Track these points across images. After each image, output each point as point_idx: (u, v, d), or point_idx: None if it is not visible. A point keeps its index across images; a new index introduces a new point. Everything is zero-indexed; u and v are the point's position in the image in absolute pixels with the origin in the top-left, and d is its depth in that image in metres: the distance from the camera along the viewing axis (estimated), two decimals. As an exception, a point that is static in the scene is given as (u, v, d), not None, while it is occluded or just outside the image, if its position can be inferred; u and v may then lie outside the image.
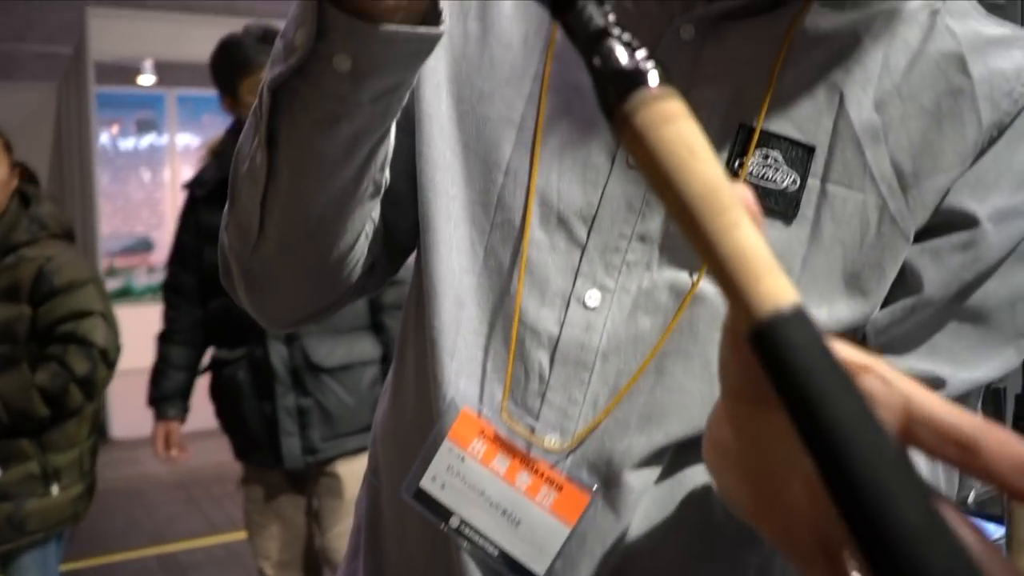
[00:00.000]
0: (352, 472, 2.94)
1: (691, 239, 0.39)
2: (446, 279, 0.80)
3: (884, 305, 0.75)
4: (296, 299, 0.86)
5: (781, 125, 0.73)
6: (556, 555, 0.75)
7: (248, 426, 2.85)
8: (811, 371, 0.35)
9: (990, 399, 1.49)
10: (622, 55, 0.42)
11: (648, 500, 0.76)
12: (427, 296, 0.81)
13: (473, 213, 0.80)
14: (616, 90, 0.42)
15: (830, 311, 0.73)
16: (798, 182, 0.72)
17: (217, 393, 2.92)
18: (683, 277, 0.74)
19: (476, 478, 0.76)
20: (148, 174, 7.83)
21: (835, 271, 0.72)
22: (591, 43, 0.43)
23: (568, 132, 0.77)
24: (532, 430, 0.76)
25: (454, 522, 0.76)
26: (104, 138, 7.25)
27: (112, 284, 6.72)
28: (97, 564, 4.63)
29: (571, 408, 0.75)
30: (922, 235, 0.73)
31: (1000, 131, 0.71)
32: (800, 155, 0.72)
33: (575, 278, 0.76)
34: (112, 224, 7.24)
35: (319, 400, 2.81)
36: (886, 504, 0.32)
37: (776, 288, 0.37)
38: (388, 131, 0.74)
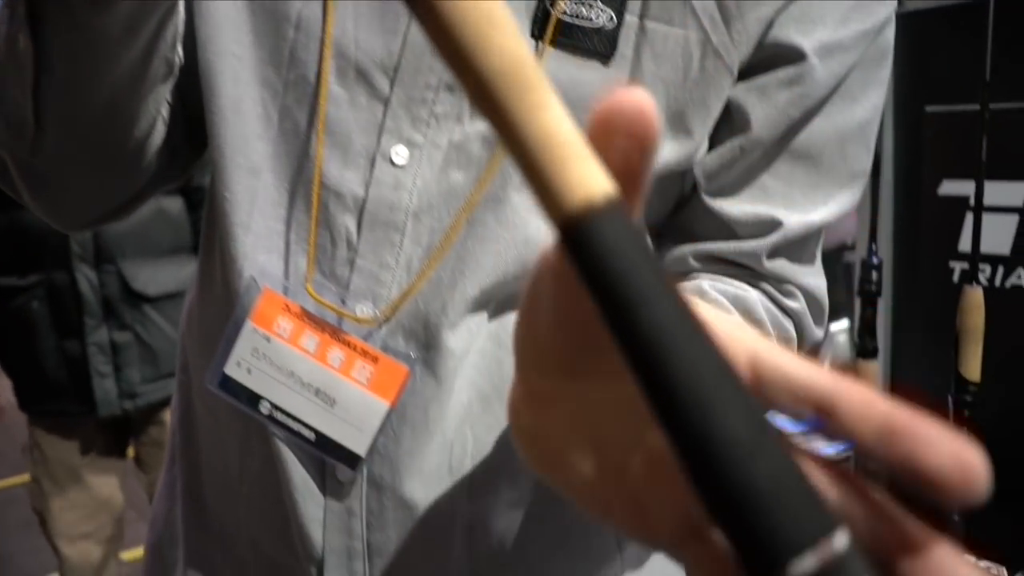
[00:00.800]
0: None
1: (491, 122, 0.33)
2: (235, 147, 0.71)
3: (712, 147, 0.71)
4: (91, 196, 0.77)
5: None
6: (377, 432, 0.68)
7: (44, 369, 2.42)
8: (627, 273, 0.31)
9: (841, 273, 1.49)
10: None
11: (470, 365, 0.71)
12: (216, 168, 0.72)
13: (264, 74, 0.71)
14: None
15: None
16: (615, 20, 0.66)
17: (1, 329, 2.46)
18: None
19: (284, 359, 0.68)
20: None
21: (658, 111, 0.66)
22: None
23: None
24: (343, 302, 0.68)
25: (264, 408, 0.69)
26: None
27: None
28: None
29: (383, 274, 0.68)
30: (748, 72, 0.69)
31: None
32: None
33: (379, 135, 0.68)
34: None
35: (139, 334, 2.44)
36: (709, 415, 0.29)
37: (587, 176, 0.31)
38: (176, 4, 0.66)
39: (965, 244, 1.50)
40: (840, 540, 0.28)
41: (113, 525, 2.67)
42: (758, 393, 0.35)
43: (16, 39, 0.62)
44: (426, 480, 0.70)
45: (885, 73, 0.73)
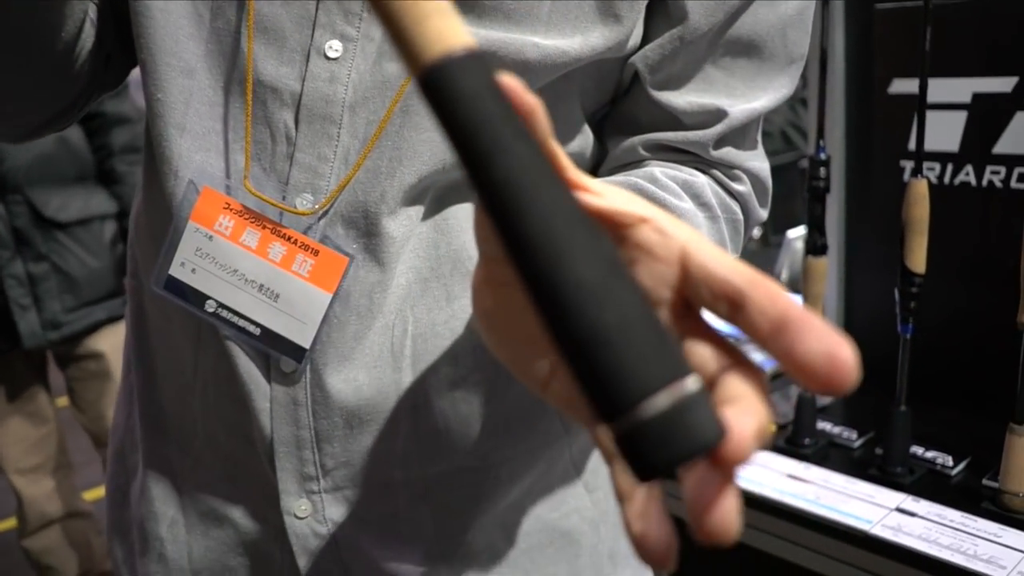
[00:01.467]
0: (114, 345, 2.60)
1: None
2: (166, 48, 0.71)
3: (650, 40, 0.72)
4: (26, 103, 0.77)
5: None
6: (320, 323, 0.69)
7: None
8: (482, 124, 0.31)
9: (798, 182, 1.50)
10: None
11: (409, 250, 0.72)
12: (146, 71, 0.72)
13: None
14: None
15: (584, 40, 0.68)
16: None
17: None
18: None
19: (227, 257, 0.69)
20: None
21: (588, 1, 0.67)
22: None
23: None
24: (283, 197, 0.69)
25: (210, 306, 0.70)
26: None
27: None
28: None
29: (322, 166, 0.68)
30: None
31: None
32: None
33: (313, 29, 0.68)
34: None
35: (56, 263, 2.42)
36: (559, 258, 0.30)
37: (445, 29, 0.32)
38: None
39: (912, 142, 1.51)
40: (691, 383, 0.30)
41: (59, 454, 2.71)
42: (687, 285, 0.37)
43: None
44: (369, 364, 0.72)
45: None
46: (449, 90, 0.31)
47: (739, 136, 0.77)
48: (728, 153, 0.77)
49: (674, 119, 0.74)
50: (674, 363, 0.30)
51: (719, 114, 0.73)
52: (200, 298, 0.70)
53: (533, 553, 0.83)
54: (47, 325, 2.42)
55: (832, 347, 0.31)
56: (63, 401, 2.78)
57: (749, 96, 0.75)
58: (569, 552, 0.85)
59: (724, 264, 0.36)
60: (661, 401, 0.29)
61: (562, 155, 0.37)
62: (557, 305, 0.30)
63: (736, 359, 0.36)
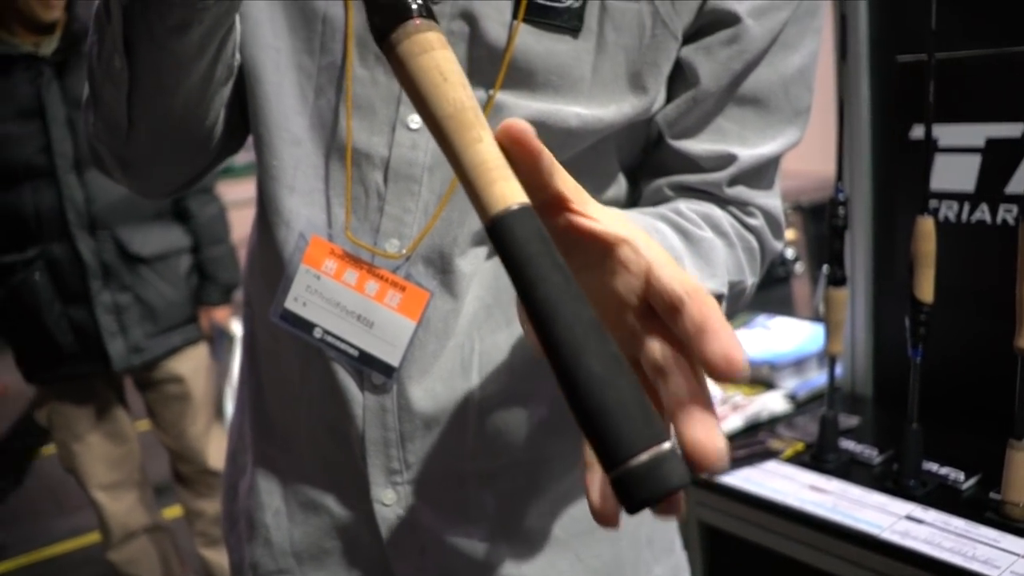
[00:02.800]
0: (192, 368, 2.84)
1: (444, 150, 0.49)
2: (279, 122, 0.89)
3: (670, 100, 0.88)
4: (172, 173, 0.97)
5: None
6: (407, 346, 0.86)
7: (54, 337, 2.59)
8: (530, 259, 0.44)
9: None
10: None
11: (477, 283, 0.88)
12: (262, 142, 0.90)
13: (299, 61, 0.88)
14: (384, 20, 0.50)
15: (618, 108, 0.84)
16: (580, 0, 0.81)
17: (4, 305, 2.62)
18: (481, 94, 0.83)
19: (331, 293, 0.87)
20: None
21: (620, 73, 0.83)
22: None
23: None
24: (375, 242, 0.86)
25: (317, 333, 0.87)
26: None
27: None
28: None
29: (406, 217, 0.86)
30: (694, 36, 0.84)
31: None
32: None
33: (398, 106, 0.85)
34: None
35: (139, 294, 2.65)
36: (577, 358, 0.42)
37: (506, 191, 0.46)
38: (234, 22, 0.83)
39: (933, 183, 1.64)
40: (666, 445, 0.41)
41: (139, 471, 2.91)
42: (650, 296, 0.51)
43: (112, 60, 0.78)
44: (444, 376, 0.88)
45: (819, 23, 0.88)
46: (507, 235, 0.45)
47: (752, 177, 0.91)
48: (741, 192, 0.90)
49: (693, 163, 0.89)
50: (655, 431, 0.41)
51: (730, 158, 0.87)
52: (309, 327, 0.88)
53: (583, 537, 0.99)
54: (132, 350, 2.65)
55: (729, 350, 0.44)
56: (143, 425, 2.97)
57: (758, 143, 0.89)
58: (613, 536, 1.00)
59: (674, 279, 0.49)
60: (644, 458, 0.41)
61: (570, 185, 0.53)
62: (574, 387, 0.42)
63: (681, 351, 0.49)
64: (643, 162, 0.95)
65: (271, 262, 0.93)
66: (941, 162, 1.64)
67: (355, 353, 0.87)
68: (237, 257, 2.93)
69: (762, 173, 0.92)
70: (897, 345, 1.82)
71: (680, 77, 0.87)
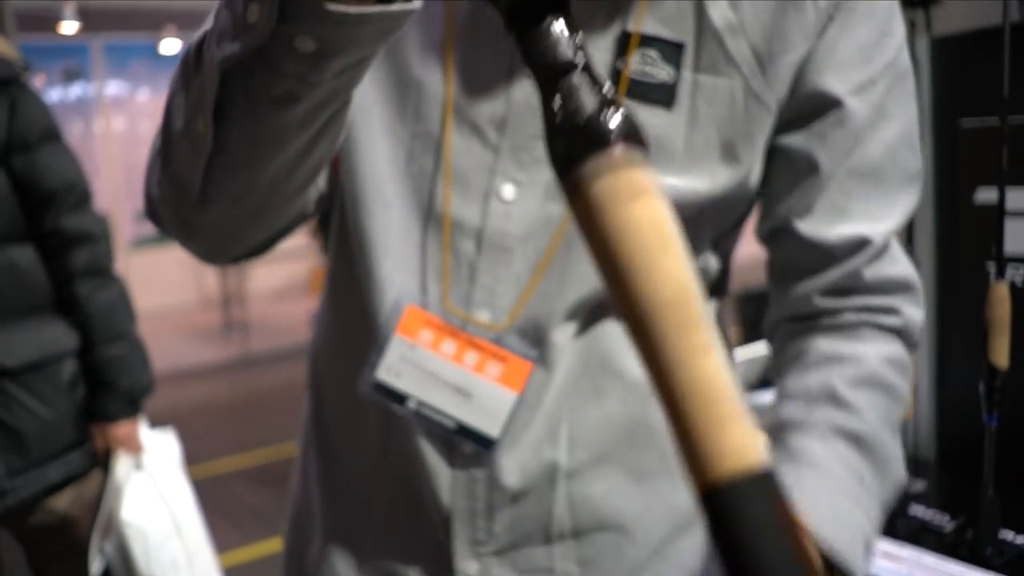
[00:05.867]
0: (80, 508, 2.12)
1: (645, 356, 0.33)
2: (373, 186, 0.90)
3: (787, 191, 0.90)
4: (244, 243, 0.88)
5: (654, 27, 0.84)
6: (508, 417, 0.87)
7: None
8: (762, 550, 0.31)
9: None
10: (587, 101, 0.36)
11: (568, 354, 0.89)
12: (357, 203, 0.90)
13: (392, 127, 0.89)
14: (573, 146, 0.35)
15: (712, 180, 0.86)
16: (673, 75, 0.84)
17: None
18: None
19: (427, 363, 0.87)
20: (79, 125, 7.77)
21: (713, 145, 0.85)
22: (551, 77, 0.38)
23: (471, 49, 0.87)
24: (468, 312, 0.87)
25: (412, 404, 0.87)
26: (30, 92, 7.13)
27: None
28: None
29: (498, 286, 0.87)
30: (801, 122, 0.87)
31: (832, 14, 0.84)
32: (672, 52, 0.84)
33: (492, 176, 0.86)
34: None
35: (1, 418, 1.95)
36: None
37: (745, 441, 0.32)
38: (351, 96, 0.72)
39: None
40: None
41: None
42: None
43: (195, 120, 0.69)
44: (534, 446, 0.89)
45: (911, 85, 0.90)
46: (736, 516, 0.31)
47: (885, 253, 0.91)
48: (879, 271, 0.91)
49: (828, 254, 0.90)
50: None
51: (863, 242, 0.88)
52: (402, 398, 0.87)
53: None
54: None
55: None
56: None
57: (883, 217, 0.89)
58: None
59: None
60: None
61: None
62: None
63: None
64: (773, 262, 0.96)
65: (355, 327, 0.94)
66: (1007, 226, 1.63)
67: (452, 424, 0.87)
68: (145, 354, 2.24)
69: (890, 246, 0.92)
70: (962, 408, 1.81)
71: (784, 162, 0.89)
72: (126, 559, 2.12)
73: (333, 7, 0.57)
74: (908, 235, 1.60)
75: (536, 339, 0.87)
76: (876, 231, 0.89)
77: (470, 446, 0.88)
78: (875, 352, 0.90)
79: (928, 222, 1.78)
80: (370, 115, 0.89)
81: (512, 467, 0.88)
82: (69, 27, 6.91)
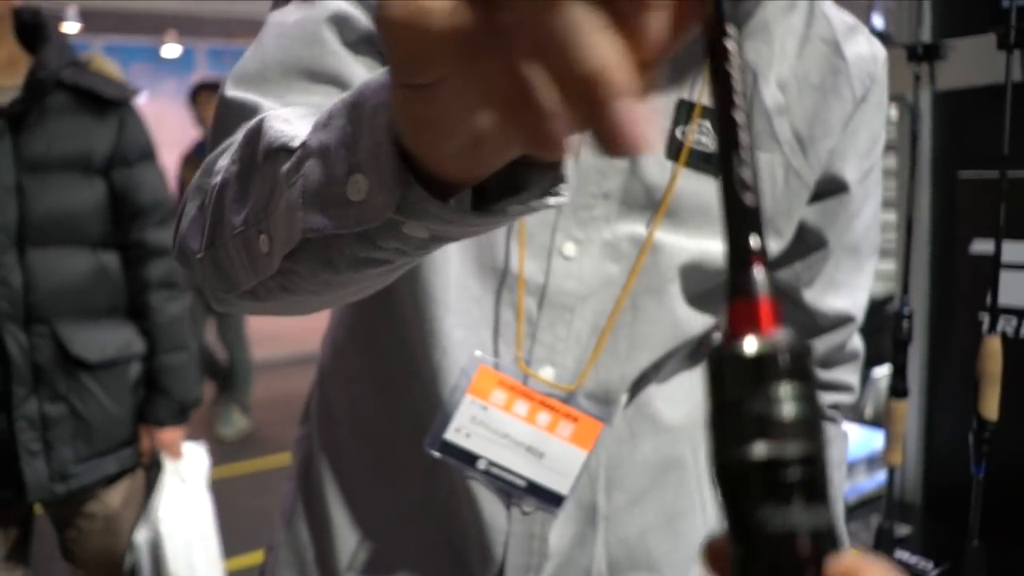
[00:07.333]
0: (124, 502, 2.22)
1: None
2: None
3: (794, 255, 0.97)
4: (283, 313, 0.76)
5: (710, 99, 0.84)
6: (578, 475, 0.87)
7: None
8: None
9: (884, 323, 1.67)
10: None
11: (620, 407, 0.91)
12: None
13: None
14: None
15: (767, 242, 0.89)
16: None
17: None
18: (639, 229, 0.86)
19: (499, 424, 0.86)
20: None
21: None
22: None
23: None
24: (529, 368, 0.87)
25: (482, 464, 0.86)
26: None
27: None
28: None
29: (558, 344, 0.87)
30: (817, 199, 0.94)
31: (860, 103, 0.91)
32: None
33: (554, 233, 0.86)
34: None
35: (75, 407, 2.05)
36: None
37: None
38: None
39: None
40: None
41: None
42: None
43: (255, 237, 0.61)
44: (578, 491, 0.90)
45: (880, 172, 1.00)
46: None
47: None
48: (854, 343, 1.03)
49: (818, 324, 0.99)
50: None
51: (849, 319, 1.00)
52: (473, 458, 0.86)
53: None
54: (55, 476, 2.05)
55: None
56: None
57: (859, 289, 1.00)
58: None
59: None
60: None
61: None
62: None
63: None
64: None
65: (399, 378, 0.91)
66: (1003, 278, 1.67)
67: (523, 484, 0.86)
68: (199, 369, 2.36)
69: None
70: (950, 456, 1.84)
71: (808, 237, 0.96)
72: (158, 557, 2.22)
73: (458, 208, 0.48)
74: (904, 283, 1.62)
75: (605, 399, 0.88)
76: (858, 306, 0.99)
77: (533, 502, 0.87)
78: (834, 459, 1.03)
79: (923, 271, 1.81)
80: None
81: (560, 520, 0.90)
82: (70, 28, 6.85)
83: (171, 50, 8.50)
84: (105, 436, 2.10)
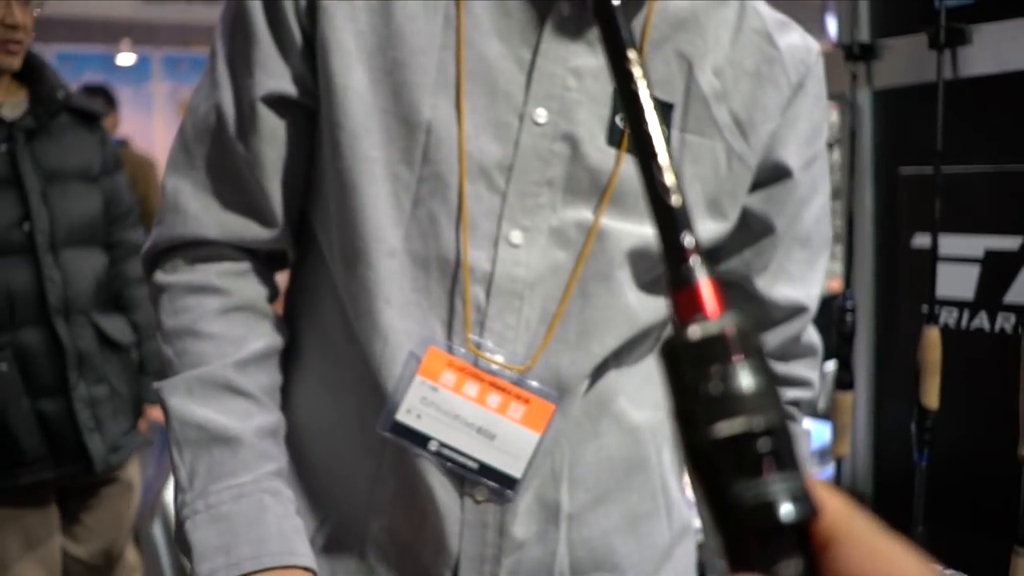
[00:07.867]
0: (136, 473, 2.51)
1: None
2: (375, 234, 0.88)
3: (745, 245, 1.00)
4: None
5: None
6: (531, 458, 0.88)
7: (16, 437, 2.16)
8: None
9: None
10: None
11: (577, 398, 0.92)
12: (356, 255, 0.89)
13: (396, 171, 0.88)
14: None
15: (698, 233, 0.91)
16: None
17: None
18: (586, 215, 0.89)
19: (450, 405, 0.88)
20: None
21: (698, 202, 0.91)
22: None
23: (480, 95, 0.88)
24: (480, 352, 0.88)
25: (433, 446, 0.87)
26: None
27: None
28: None
29: (507, 332, 0.88)
30: (761, 184, 0.97)
31: (797, 91, 0.95)
32: (662, 111, 0.87)
33: (500, 221, 0.88)
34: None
35: (114, 386, 2.34)
36: None
37: None
38: None
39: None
40: None
41: None
42: None
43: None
44: (539, 486, 0.91)
45: (826, 165, 1.03)
46: None
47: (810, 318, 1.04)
48: (809, 336, 1.05)
49: (768, 314, 1.00)
50: None
51: (802, 310, 1.01)
52: (424, 439, 0.87)
53: None
54: (111, 448, 2.31)
55: None
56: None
57: (813, 281, 1.02)
58: None
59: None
60: None
61: None
62: None
63: None
64: None
65: (347, 373, 0.93)
66: (942, 271, 1.71)
67: (474, 465, 0.88)
68: None
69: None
70: (898, 445, 1.88)
71: (754, 224, 0.98)
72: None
73: None
74: (847, 278, 1.67)
75: (557, 387, 0.89)
76: (810, 297, 1.01)
77: (485, 490, 0.89)
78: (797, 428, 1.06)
79: (868, 265, 1.85)
80: (372, 161, 0.88)
81: (521, 513, 0.91)
82: (22, 36, 6.73)
83: (126, 58, 8.45)
84: (133, 412, 2.41)
